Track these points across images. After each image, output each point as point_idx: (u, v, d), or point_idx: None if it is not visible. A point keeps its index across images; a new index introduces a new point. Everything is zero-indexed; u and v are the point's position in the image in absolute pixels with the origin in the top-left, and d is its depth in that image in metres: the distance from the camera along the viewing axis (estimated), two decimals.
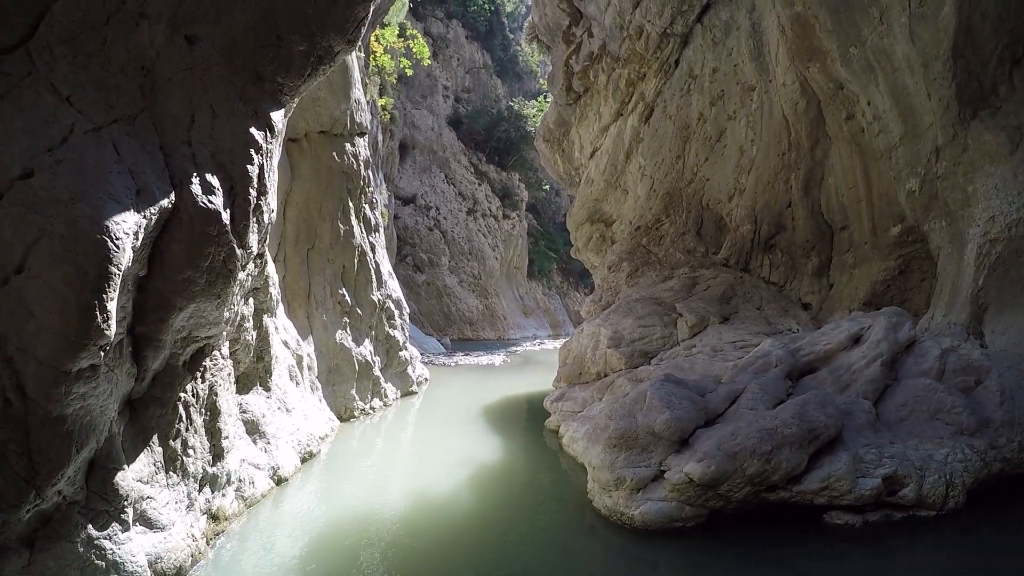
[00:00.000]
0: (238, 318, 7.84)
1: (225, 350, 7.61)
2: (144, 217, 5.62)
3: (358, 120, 16.45)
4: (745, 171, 17.27)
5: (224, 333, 7.36)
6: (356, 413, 14.18)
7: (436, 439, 12.94)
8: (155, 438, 6.19)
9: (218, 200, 6.47)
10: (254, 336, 8.71)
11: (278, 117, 8.25)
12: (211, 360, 7.12)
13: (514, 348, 35.58)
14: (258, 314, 8.91)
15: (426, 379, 20.21)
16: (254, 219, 7.21)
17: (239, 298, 7.38)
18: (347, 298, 14.89)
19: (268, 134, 7.79)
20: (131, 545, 5.51)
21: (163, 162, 6.21)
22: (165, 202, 5.95)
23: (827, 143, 14.70)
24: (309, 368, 12.40)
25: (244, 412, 8.41)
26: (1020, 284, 10.61)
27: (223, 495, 7.35)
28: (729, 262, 17.58)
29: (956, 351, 9.83)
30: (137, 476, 5.86)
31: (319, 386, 12.90)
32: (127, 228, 5.24)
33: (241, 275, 7.09)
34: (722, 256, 17.95)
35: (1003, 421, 8.61)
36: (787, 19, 13.67)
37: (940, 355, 9.95)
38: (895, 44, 11.45)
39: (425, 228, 44.07)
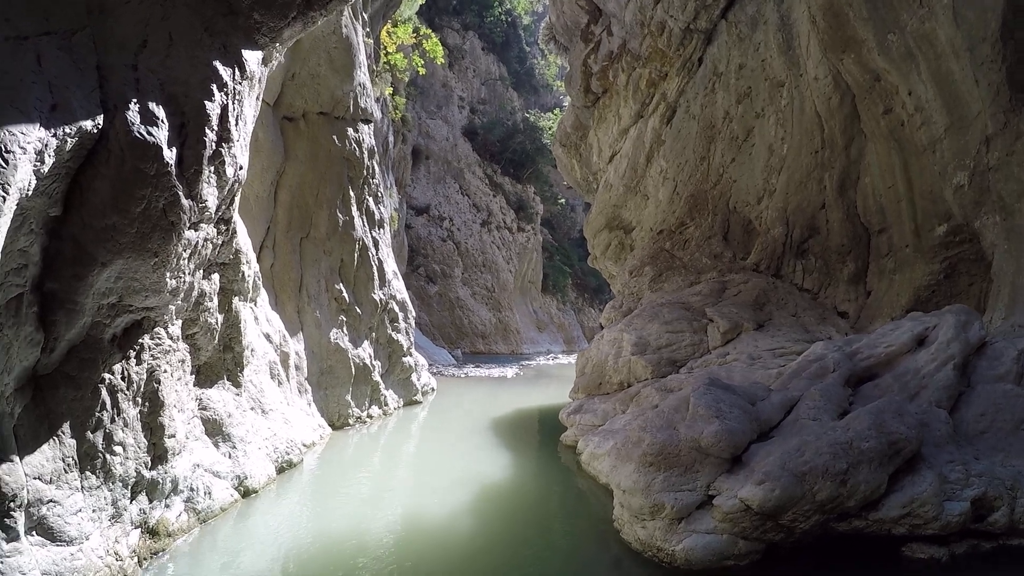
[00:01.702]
0: (194, 293, 6.48)
1: (175, 330, 6.25)
2: (56, 137, 4.37)
3: (362, 105, 15.24)
4: (775, 171, 16.13)
5: (172, 308, 6.00)
6: (351, 421, 12.76)
7: (439, 453, 11.48)
8: (66, 427, 4.82)
9: (160, 133, 5.15)
10: (219, 320, 7.34)
11: (252, 59, 6.96)
12: (152, 339, 5.75)
13: (527, 362, 34.10)
14: (225, 294, 7.55)
15: (432, 388, 18.77)
16: (211, 168, 5.88)
17: (191, 266, 6.02)
18: (345, 294, 13.54)
19: (237, 73, 6.49)
20: (20, 560, 4.17)
21: (96, 82, 4.97)
22: (89, 124, 4.70)
23: (862, 140, 13.61)
24: (297, 368, 11.03)
25: (204, 408, 7.02)
26: None
27: (166, 506, 5.96)
28: (759, 267, 16.21)
29: None
30: (36, 472, 4.48)
31: (308, 389, 11.51)
32: (25, 141, 4.06)
33: (191, 234, 5.74)
34: (751, 261, 16.61)
35: None
36: (818, 9, 12.77)
37: (1017, 356, 8.48)
38: (938, 28, 10.51)
39: (438, 239, 42.90)
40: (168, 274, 5.49)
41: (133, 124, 4.97)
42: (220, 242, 6.92)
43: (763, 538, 6.14)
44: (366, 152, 15.26)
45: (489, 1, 54.48)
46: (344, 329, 13.42)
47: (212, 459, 6.83)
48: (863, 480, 6.10)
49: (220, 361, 7.54)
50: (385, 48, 24.38)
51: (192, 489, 6.32)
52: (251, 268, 8.25)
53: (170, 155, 5.23)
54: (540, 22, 67.10)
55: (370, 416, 13.69)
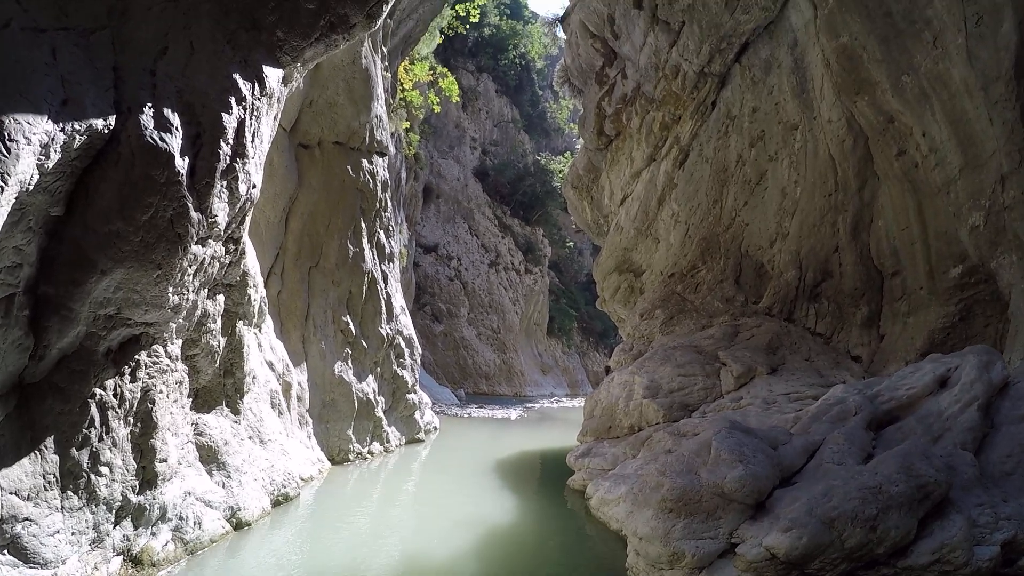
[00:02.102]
0: (197, 313, 6.23)
1: (175, 349, 5.97)
2: (64, 132, 4.20)
3: (378, 138, 15.24)
4: (788, 214, 16.03)
5: (173, 326, 5.74)
6: (351, 456, 12.32)
7: (441, 493, 11.02)
8: (50, 441, 4.51)
9: (173, 141, 4.98)
10: (221, 343, 7.06)
11: (273, 76, 6.87)
12: (150, 356, 5.48)
13: (530, 404, 33.50)
14: (230, 317, 7.29)
15: (436, 427, 18.30)
16: (223, 182, 5.69)
17: (195, 283, 5.78)
18: (351, 327, 13.26)
19: (257, 88, 6.37)
20: None
21: (112, 82, 4.84)
22: (100, 123, 4.54)
23: (876, 183, 13.50)
24: (299, 399, 10.69)
25: (200, 434, 6.69)
26: None
27: (152, 534, 5.59)
28: (772, 311, 15.96)
29: None
30: (12, 487, 4.17)
31: (310, 421, 11.14)
32: (31, 132, 3.90)
33: (198, 250, 5.52)
34: (764, 305, 16.37)
35: None
36: (832, 52, 12.83)
37: None
38: (951, 68, 10.56)
39: (446, 278, 42.73)
40: (171, 289, 5.24)
41: (146, 128, 4.81)
42: (228, 262, 6.69)
43: None
44: (379, 185, 15.18)
45: (504, 44, 55.42)
46: (349, 362, 13.10)
47: (205, 487, 6.46)
48: (893, 525, 5.75)
49: (220, 386, 7.23)
50: (402, 84, 24.64)
51: (181, 518, 5.95)
52: (258, 293, 8.01)
53: (182, 164, 5.05)
54: (553, 66, 68.20)
55: (371, 452, 13.26)
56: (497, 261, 46.44)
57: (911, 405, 8.79)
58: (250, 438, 7.75)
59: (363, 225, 14.21)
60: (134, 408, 5.28)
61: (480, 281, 44.30)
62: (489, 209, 48.53)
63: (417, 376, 17.51)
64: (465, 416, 24.76)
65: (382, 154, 15.79)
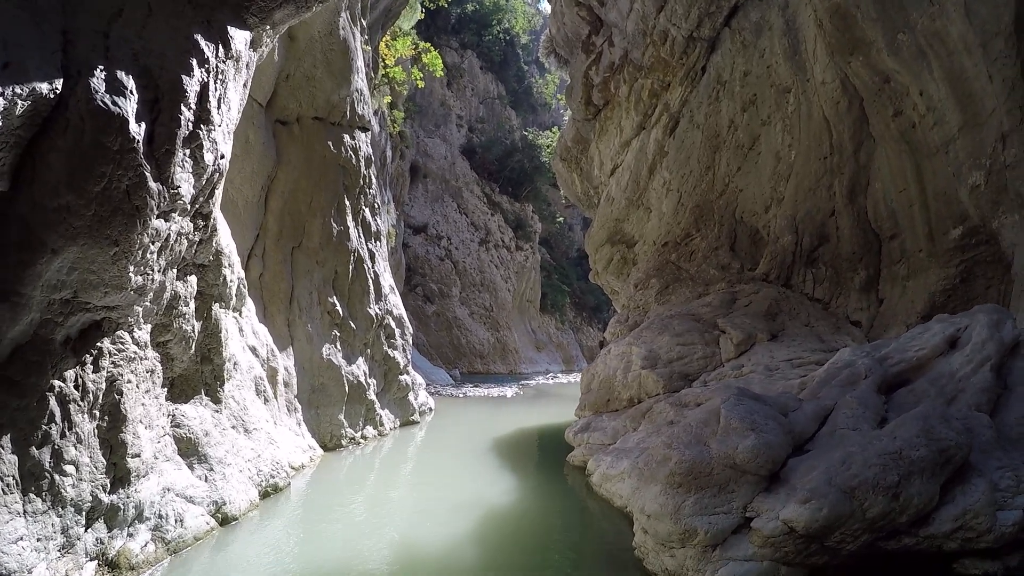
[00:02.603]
0: (166, 295, 5.79)
1: (143, 335, 5.54)
2: (3, 97, 3.74)
3: (359, 112, 14.69)
4: (783, 179, 15.84)
5: (138, 309, 5.31)
6: (344, 442, 11.97)
7: (438, 476, 10.71)
8: (6, 441, 4.13)
9: (127, 105, 4.52)
10: (196, 328, 6.63)
11: (240, 38, 6.36)
12: (114, 343, 5.05)
13: (526, 381, 33.26)
14: (204, 300, 6.85)
15: (431, 409, 17.98)
16: (186, 150, 5.23)
17: (161, 262, 5.35)
18: (338, 308, 12.83)
19: (221, 51, 5.87)
20: None
21: (60, 46, 4.37)
22: (45, 87, 4.10)
23: (872, 145, 13.24)
24: (286, 384, 10.29)
25: (177, 426, 6.29)
26: None
27: (129, 535, 5.21)
28: (769, 277, 15.73)
29: None
30: None
31: (299, 407, 10.76)
32: None
33: (160, 225, 5.07)
34: (761, 271, 16.15)
35: None
36: (825, 12, 12.45)
37: None
38: (949, 25, 10.30)
39: (436, 258, 42.24)
40: (131, 268, 4.81)
41: (96, 92, 4.35)
42: (197, 239, 6.25)
43: (807, 563, 5.48)
44: (363, 161, 14.66)
45: (487, 20, 54.47)
46: (337, 344, 12.69)
47: (185, 482, 6.08)
48: (916, 492, 5.47)
49: (197, 374, 6.81)
50: (384, 60, 23.97)
51: (161, 516, 5.57)
52: (234, 273, 7.56)
53: (137, 130, 4.60)
54: (538, 41, 67.38)
55: (364, 437, 12.91)
56: (487, 239, 45.97)
57: (921, 367, 8.52)
58: (233, 427, 7.35)
59: (347, 203, 13.72)
60: (99, 400, 4.87)
61: (471, 260, 43.88)
62: (477, 187, 47.96)
63: (409, 357, 17.14)
64: (460, 396, 24.47)
65: (364, 129, 15.25)
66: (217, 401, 7.11)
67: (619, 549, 6.75)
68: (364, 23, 16.66)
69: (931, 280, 12.46)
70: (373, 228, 15.63)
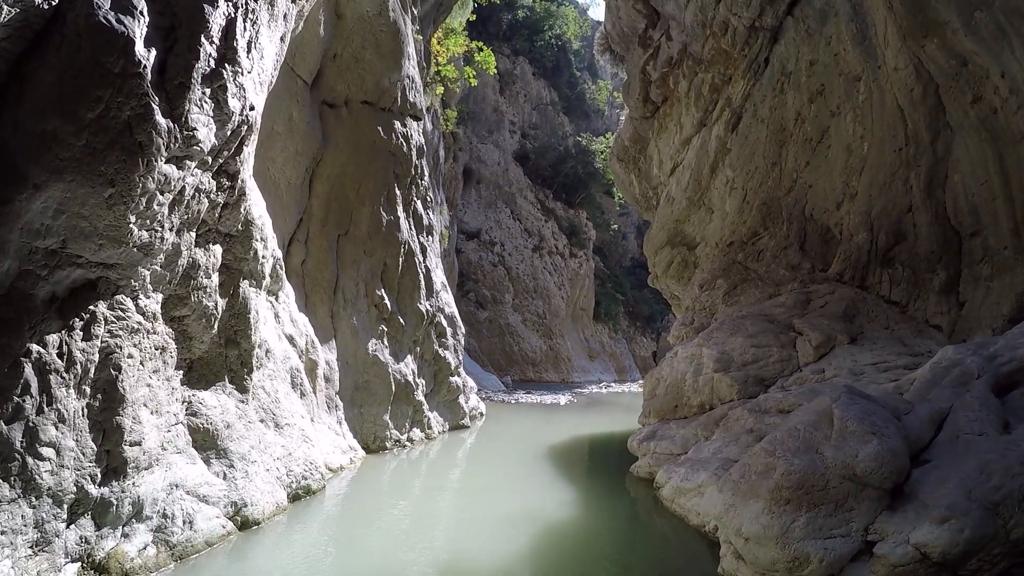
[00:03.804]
0: (182, 261, 5.03)
1: (152, 305, 4.78)
2: None
3: (411, 100, 14.00)
4: (855, 173, 14.70)
5: (145, 273, 4.54)
6: (388, 444, 11.15)
7: (488, 485, 9.75)
8: None
9: (133, 25, 3.77)
10: (219, 305, 5.86)
11: None
12: (112, 310, 4.29)
13: (579, 390, 32.11)
14: (231, 275, 6.09)
15: (481, 413, 17.08)
16: (205, 90, 4.46)
17: (174, 219, 4.58)
18: (386, 301, 12.06)
19: None
20: None
21: None
22: None
23: (950, 134, 12.11)
24: (326, 379, 9.53)
25: (194, 415, 5.51)
26: None
27: (124, 535, 4.43)
28: (843, 278, 14.51)
29: None
30: None
31: (340, 405, 9.99)
32: None
33: (171, 171, 4.30)
34: (833, 271, 15.06)
35: None
36: None
37: None
38: None
39: (489, 264, 41.55)
40: (132, 218, 4.03)
41: (99, 8, 3.62)
42: (221, 201, 5.48)
43: None
44: (414, 150, 13.95)
45: (539, 26, 53.98)
46: (384, 340, 11.91)
47: (199, 479, 5.28)
48: None
49: (220, 358, 6.04)
50: (436, 57, 23.45)
51: (166, 515, 4.78)
52: (267, 249, 6.80)
53: (145, 55, 3.84)
54: (590, 47, 66.87)
55: (411, 440, 12.07)
56: (541, 245, 45.06)
57: None
58: (262, 421, 6.56)
59: (397, 192, 12.99)
60: (90, 375, 4.10)
61: (524, 266, 43.03)
62: (531, 193, 47.20)
63: (460, 358, 16.30)
64: (512, 401, 23.52)
65: (416, 118, 14.55)
66: (243, 390, 6.33)
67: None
68: (415, 12, 16.03)
69: (1018, 280, 11.22)
70: (425, 221, 14.89)
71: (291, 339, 8.28)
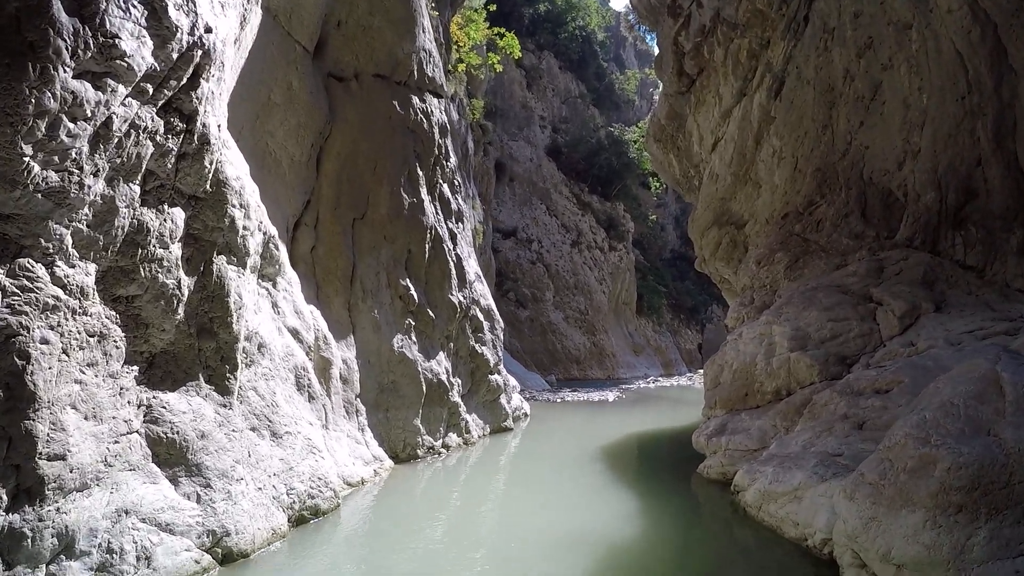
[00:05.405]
0: (121, 221, 3.86)
1: (81, 277, 3.61)
2: None
3: (429, 74, 12.83)
4: (916, 127, 13.47)
5: (64, 232, 3.38)
6: (420, 451, 9.92)
7: (536, 495, 8.42)
8: None
9: None
10: (184, 284, 4.68)
11: None
12: (15, 278, 3.14)
13: (626, 386, 30.66)
14: (200, 247, 4.90)
15: (526, 414, 15.77)
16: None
17: (98, 161, 3.41)
18: (413, 293, 10.86)
19: None
20: None
21: None
22: None
23: (1014, 78, 11.11)
24: (344, 380, 8.35)
25: (154, 422, 4.34)
26: None
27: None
28: (913, 243, 13.07)
29: None
30: None
31: (362, 409, 8.80)
32: None
33: (82, 90, 3.17)
34: (902, 236, 13.83)
35: None
36: None
37: None
38: None
39: (527, 262, 40.30)
40: (28, 148, 2.87)
41: None
42: (174, 148, 4.30)
43: None
44: (436, 127, 12.76)
45: (561, 19, 52.68)
46: (412, 336, 10.71)
47: (160, 503, 4.10)
48: None
49: (191, 351, 4.85)
50: (458, 44, 22.34)
51: (111, 550, 3.61)
52: (252, 221, 5.63)
53: None
54: (616, 38, 65.31)
55: (446, 446, 10.83)
56: (579, 240, 43.64)
57: None
58: (253, 429, 5.37)
59: (420, 172, 11.81)
60: None
61: (563, 262, 41.68)
62: (566, 187, 45.84)
63: (500, 354, 15.03)
64: (557, 400, 22.18)
65: (437, 95, 13.38)
66: (225, 392, 5.14)
67: None
68: None
69: None
70: (453, 206, 13.68)
71: (295, 333, 7.10)
